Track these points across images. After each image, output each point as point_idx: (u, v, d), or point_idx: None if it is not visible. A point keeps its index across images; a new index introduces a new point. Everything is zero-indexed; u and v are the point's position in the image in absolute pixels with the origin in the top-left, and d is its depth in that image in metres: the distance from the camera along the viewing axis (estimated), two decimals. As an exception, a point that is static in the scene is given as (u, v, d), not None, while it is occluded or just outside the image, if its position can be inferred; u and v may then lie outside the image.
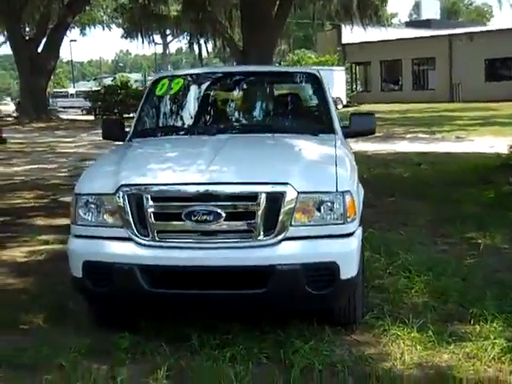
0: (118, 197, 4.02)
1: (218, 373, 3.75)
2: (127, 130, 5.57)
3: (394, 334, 4.31)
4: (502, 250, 6.44)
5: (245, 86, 6.00)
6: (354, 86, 44.81)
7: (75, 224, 4.18)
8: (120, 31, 64.50)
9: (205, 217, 3.89)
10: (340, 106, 38.31)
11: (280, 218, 3.90)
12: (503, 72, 40.21)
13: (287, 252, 3.93)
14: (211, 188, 3.95)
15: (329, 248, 3.98)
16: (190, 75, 6.07)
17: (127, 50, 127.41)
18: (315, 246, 3.97)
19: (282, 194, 3.90)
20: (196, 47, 36.80)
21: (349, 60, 44.28)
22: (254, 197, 3.90)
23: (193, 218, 3.90)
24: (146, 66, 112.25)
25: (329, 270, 3.94)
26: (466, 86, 39.90)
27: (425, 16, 56.98)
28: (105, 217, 4.10)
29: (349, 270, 4.00)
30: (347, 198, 4.01)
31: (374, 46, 42.62)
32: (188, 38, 38.12)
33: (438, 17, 57.49)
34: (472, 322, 4.49)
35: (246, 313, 4.44)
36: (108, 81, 45.64)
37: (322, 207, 3.98)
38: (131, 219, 3.99)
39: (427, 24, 51.61)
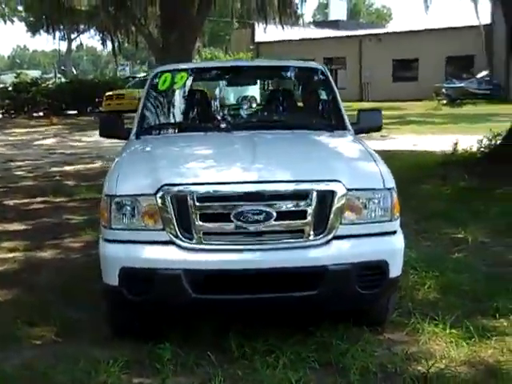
0: (159, 197, 3.79)
1: (278, 381, 3.60)
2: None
3: (430, 332, 4.30)
4: (486, 244, 6.58)
5: (253, 81, 5.85)
6: (268, 85, 45.03)
7: (109, 228, 3.90)
8: (21, 25, 62.00)
9: (255, 217, 3.73)
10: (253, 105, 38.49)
11: (331, 216, 3.80)
12: (409, 72, 41.55)
13: (338, 252, 3.83)
14: (262, 187, 3.79)
15: (379, 246, 3.92)
16: (193, 69, 5.83)
17: (25, 46, 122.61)
18: (365, 245, 3.90)
19: (332, 192, 3.80)
20: (109, 43, 35.87)
21: (262, 59, 44.46)
22: (305, 195, 3.78)
23: (242, 218, 3.73)
24: (45, 62, 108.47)
25: (379, 268, 3.88)
26: (374, 86, 40.99)
27: (332, 17, 58.04)
28: (143, 219, 3.85)
29: (396, 269, 3.95)
30: (394, 194, 3.96)
31: (287, 44, 42.86)
32: (100, 33, 37.16)
33: (345, 18, 58.68)
34: (497, 317, 4.54)
35: (293, 315, 4.31)
36: (8, 78, 43.47)
37: (369, 204, 3.92)
38: (174, 221, 3.77)
39: (335, 25, 52.56)
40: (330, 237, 3.81)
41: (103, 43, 36.42)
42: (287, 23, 30.76)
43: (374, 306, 4.24)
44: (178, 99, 5.59)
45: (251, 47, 44.40)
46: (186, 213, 3.76)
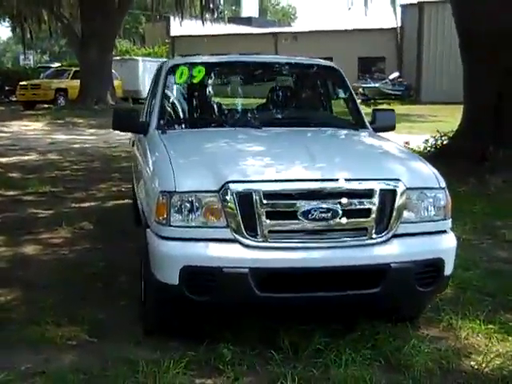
0: (223, 194, 3.68)
1: (350, 379, 3.59)
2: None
3: (467, 328, 4.39)
4: (472, 241, 6.80)
5: (273, 77, 5.77)
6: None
7: (168, 225, 3.74)
8: None
9: (322, 215, 3.70)
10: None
11: (393, 214, 3.82)
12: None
13: (400, 250, 3.85)
14: (328, 184, 3.76)
15: (436, 245, 3.97)
16: (211, 63, 5.68)
17: None
18: (424, 243, 3.94)
19: (394, 191, 3.83)
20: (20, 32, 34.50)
21: (178, 53, 44.00)
22: (369, 193, 3.78)
23: (310, 216, 3.69)
24: None
25: (436, 266, 3.93)
26: (290, 84, 41.59)
27: (244, 14, 58.32)
28: (206, 216, 3.73)
29: (450, 266, 4.02)
30: (447, 193, 4.04)
31: (202, 39, 42.70)
32: (10, 21, 35.65)
33: (257, 15, 59.10)
34: (523, 312, 4.71)
35: (354, 313, 4.30)
36: None
37: (426, 203, 3.96)
38: (239, 219, 3.67)
39: (248, 21, 52.86)
40: (390, 235, 3.84)
41: (13, 30, 34.77)
42: (208, 18, 30.65)
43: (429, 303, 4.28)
44: (198, 93, 5.44)
45: (166, 41, 43.84)
46: (251, 210, 3.67)
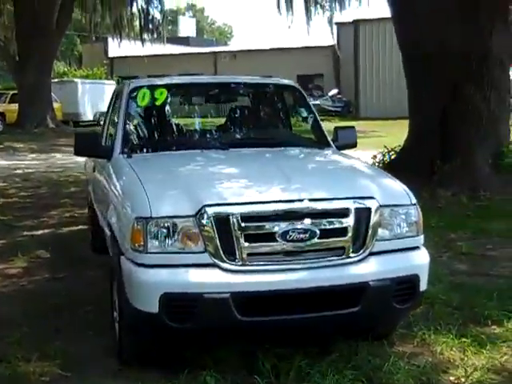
0: (200, 218, 3.64)
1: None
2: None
3: (441, 342, 4.44)
4: (433, 255, 6.85)
5: (234, 97, 5.76)
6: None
7: (145, 252, 3.67)
8: None
9: (301, 235, 3.70)
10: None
11: (369, 232, 3.85)
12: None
13: (377, 268, 3.88)
14: (306, 205, 3.76)
15: (411, 261, 4.02)
16: (171, 85, 5.62)
17: None
18: (399, 260, 3.98)
19: (369, 209, 3.86)
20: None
21: (117, 74, 43.66)
22: (345, 212, 3.80)
23: (288, 237, 3.68)
24: None
25: (412, 282, 3.97)
26: (230, 102, 41.78)
27: (182, 33, 58.28)
28: (183, 242, 3.68)
29: (425, 282, 4.07)
30: (419, 210, 4.09)
31: (141, 60, 42.41)
32: None
33: (194, 34, 59.23)
34: (490, 324, 4.79)
35: (330, 334, 4.29)
36: None
37: (399, 220, 4.01)
38: (217, 243, 3.63)
39: (186, 41, 52.93)
40: (366, 253, 3.86)
41: None
42: (147, 39, 30.52)
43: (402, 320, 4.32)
44: (161, 116, 5.38)
45: (105, 62, 43.43)
46: (228, 234, 3.64)
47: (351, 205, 3.81)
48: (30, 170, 15.94)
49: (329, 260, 3.79)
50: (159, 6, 29.80)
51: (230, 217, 3.63)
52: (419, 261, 4.04)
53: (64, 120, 31.66)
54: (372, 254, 3.88)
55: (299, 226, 3.69)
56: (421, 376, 3.96)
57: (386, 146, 12.02)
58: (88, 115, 35.87)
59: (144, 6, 28.17)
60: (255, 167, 4.34)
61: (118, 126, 5.05)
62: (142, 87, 5.29)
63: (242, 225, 3.63)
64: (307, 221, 3.71)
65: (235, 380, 3.83)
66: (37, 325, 4.90)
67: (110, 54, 44.12)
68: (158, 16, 30.28)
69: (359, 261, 3.83)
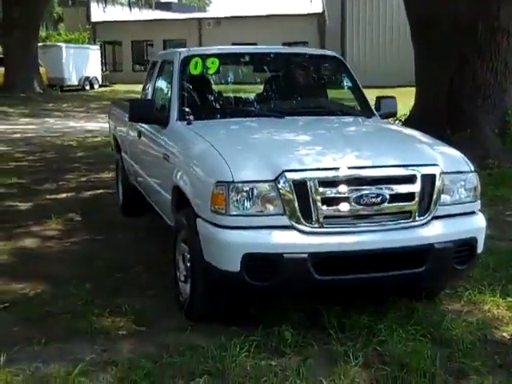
0: (280, 183, 3.83)
1: (411, 354, 3.81)
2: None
3: (489, 301, 4.70)
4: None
5: (284, 67, 5.90)
6: (106, 66, 43.88)
7: (227, 214, 3.86)
8: None
9: (373, 200, 3.91)
10: (96, 86, 37.42)
11: (433, 197, 4.07)
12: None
13: (440, 231, 4.11)
14: (378, 171, 3.98)
15: (470, 225, 4.25)
16: (222, 55, 5.72)
17: None
18: (460, 224, 4.21)
19: (434, 175, 4.08)
20: None
21: (99, 39, 43.18)
22: (413, 178, 4.02)
23: (362, 201, 3.89)
24: None
25: (471, 245, 4.21)
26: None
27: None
28: (263, 205, 3.86)
29: (481, 245, 4.31)
30: (477, 177, 4.32)
31: (125, 25, 42.14)
32: None
33: (176, 0, 58.46)
34: (528, 285, 5.07)
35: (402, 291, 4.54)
36: None
37: (459, 186, 4.23)
38: (296, 206, 3.83)
39: (168, 7, 52.25)
40: (430, 217, 4.09)
41: None
42: (135, 4, 30.24)
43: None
44: (214, 84, 5.52)
45: (87, 27, 42.85)
46: (306, 198, 3.83)
47: (418, 171, 4.03)
48: (30, 135, 15.93)
49: (397, 223, 4.01)
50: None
51: (308, 182, 3.83)
52: (477, 224, 4.27)
53: (49, 84, 31.35)
54: (435, 217, 4.11)
55: (371, 191, 3.90)
56: (477, 332, 4.21)
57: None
58: (73, 80, 35.57)
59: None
60: (321, 135, 4.53)
61: (172, 93, 5.17)
62: (193, 56, 5.40)
63: (319, 189, 3.83)
64: (379, 186, 3.92)
65: (309, 334, 4.05)
66: (96, 284, 5.07)
67: (93, 19, 43.49)
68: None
69: (424, 224, 4.06)
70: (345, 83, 5.78)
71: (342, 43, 38.15)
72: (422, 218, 4.05)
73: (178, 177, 4.50)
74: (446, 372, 3.66)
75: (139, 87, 25.06)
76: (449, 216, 4.18)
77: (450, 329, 4.20)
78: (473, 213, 4.31)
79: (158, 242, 6.26)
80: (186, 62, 5.33)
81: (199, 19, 43.49)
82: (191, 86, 5.26)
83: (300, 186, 3.83)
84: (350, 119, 5.24)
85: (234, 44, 41.65)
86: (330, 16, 39.53)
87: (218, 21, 42.68)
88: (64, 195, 8.60)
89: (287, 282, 3.86)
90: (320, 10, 40.15)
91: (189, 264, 4.34)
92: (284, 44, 41.00)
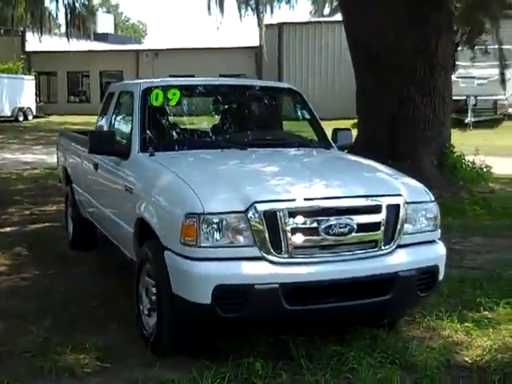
0: (250, 214, 3.86)
1: (380, 381, 3.88)
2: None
3: (447, 327, 4.82)
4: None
5: (244, 99, 5.94)
6: (41, 97, 43.16)
7: (198, 246, 3.85)
8: None
9: (341, 229, 3.98)
10: (30, 117, 36.77)
11: (397, 227, 4.17)
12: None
13: (405, 259, 4.21)
14: (347, 202, 4.06)
15: (432, 253, 4.39)
16: (182, 86, 5.72)
17: None
18: (423, 252, 4.34)
19: (398, 205, 4.19)
20: None
21: (35, 69, 42.47)
22: (379, 208, 4.11)
23: (331, 231, 3.95)
24: None
25: (433, 272, 4.34)
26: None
27: (100, 30, 57.21)
28: (234, 236, 3.87)
29: (442, 272, 4.44)
30: (437, 206, 4.46)
31: (61, 55, 41.60)
32: None
33: (112, 31, 58.37)
34: (482, 310, 5.22)
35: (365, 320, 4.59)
36: None
37: (420, 215, 4.36)
38: (266, 237, 3.86)
39: (105, 38, 52.05)
40: (395, 246, 4.19)
41: None
42: (75, 35, 30.02)
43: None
44: (175, 116, 5.52)
45: (22, 56, 42.10)
46: (276, 228, 3.87)
47: (384, 201, 4.13)
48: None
49: (364, 252, 4.09)
50: (86, 1, 29.10)
51: (278, 212, 3.87)
52: (438, 253, 4.41)
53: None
54: (399, 246, 4.21)
55: (340, 221, 3.97)
56: (440, 357, 4.30)
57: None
58: (6, 111, 34.86)
59: (70, 1, 27.50)
60: (286, 166, 4.59)
61: (133, 124, 5.14)
62: (154, 87, 5.40)
63: (289, 220, 3.87)
64: (346, 216, 4.00)
65: (278, 365, 4.05)
66: (53, 319, 4.93)
67: (28, 49, 42.81)
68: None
69: (389, 253, 4.16)
70: (303, 115, 5.86)
71: (279, 76, 38.74)
72: (387, 246, 4.14)
73: (142, 209, 4.47)
74: (415, 398, 3.71)
75: (75, 118, 25.01)
76: (411, 245, 4.29)
77: (414, 355, 4.28)
78: (433, 241, 4.43)
79: (111, 276, 6.19)
80: (146, 93, 5.32)
81: (137, 51, 43.45)
82: (152, 118, 5.26)
83: (270, 217, 3.87)
84: (310, 151, 5.33)
85: (171, 76, 41.97)
86: (267, 49, 40.10)
87: (155, 53, 42.72)
88: (8, 229, 8.38)
89: (258, 313, 3.88)
90: (257, 44, 40.70)
91: (154, 297, 4.30)
92: (221, 76, 41.52)
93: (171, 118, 5.57)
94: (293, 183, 4.20)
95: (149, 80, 5.91)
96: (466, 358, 4.36)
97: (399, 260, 4.18)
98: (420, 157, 10.92)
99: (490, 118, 27.66)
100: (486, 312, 5.19)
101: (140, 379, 3.90)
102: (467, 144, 13.38)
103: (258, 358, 4.03)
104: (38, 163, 15.88)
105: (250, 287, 3.79)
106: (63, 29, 35.81)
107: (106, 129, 5.90)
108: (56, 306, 5.26)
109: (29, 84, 37.30)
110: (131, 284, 5.29)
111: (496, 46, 15.12)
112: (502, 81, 19.04)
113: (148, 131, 5.11)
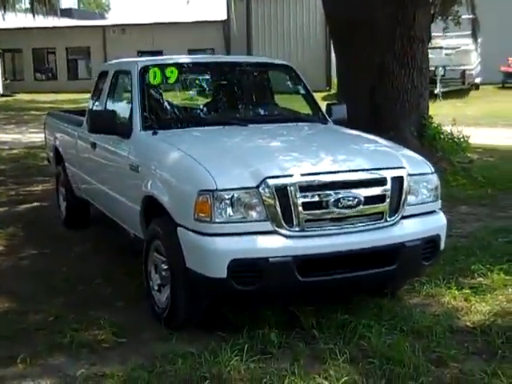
0: (262, 189, 3.96)
1: (391, 347, 4.03)
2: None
3: (447, 294, 5.00)
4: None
5: (241, 76, 5.99)
6: (6, 75, 42.35)
7: (212, 222, 3.94)
8: None
9: (349, 202, 4.10)
10: (-2, 96, 36.16)
11: (402, 198, 4.31)
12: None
13: (409, 230, 4.36)
14: (353, 175, 4.18)
15: (434, 223, 4.54)
16: (180, 64, 5.74)
17: None
18: (425, 222, 4.48)
19: (401, 177, 4.32)
20: None
21: (-1, 47, 41.67)
22: (384, 181, 4.24)
23: (340, 204, 4.08)
24: None
25: (435, 242, 4.49)
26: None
27: (63, 5, 56.18)
28: (247, 211, 3.97)
29: (443, 242, 4.60)
30: (437, 178, 4.61)
31: (26, 32, 40.86)
32: None
33: (76, 6, 57.44)
34: (476, 276, 5.41)
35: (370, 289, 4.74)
36: None
37: (422, 187, 4.50)
38: (278, 211, 3.97)
39: (69, 13, 51.12)
40: (399, 217, 4.33)
41: None
42: (40, 11, 29.37)
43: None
44: (173, 94, 5.56)
45: (-15, 34, 41.22)
46: (287, 203, 3.98)
47: (389, 174, 4.26)
48: None
49: (371, 224, 4.23)
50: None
51: (289, 187, 3.98)
52: (440, 223, 4.56)
53: None
54: (403, 217, 4.35)
55: (348, 194, 4.10)
56: (443, 323, 4.47)
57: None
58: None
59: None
60: (290, 141, 4.70)
61: (133, 103, 5.17)
62: (152, 66, 5.42)
63: (300, 194, 3.99)
64: (354, 189, 4.12)
65: (291, 335, 4.19)
66: (63, 298, 5.01)
67: (-10, 26, 41.86)
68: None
69: (394, 224, 4.30)
70: (298, 91, 5.95)
71: (248, 49, 38.63)
72: (392, 218, 4.28)
73: (150, 187, 4.53)
74: (426, 361, 3.88)
75: (43, 96, 24.69)
76: (414, 215, 4.43)
77: (418, 322, 4.44)
78: (434, 211, 4.58)
79: (108, 254, 6.27)
80: (144, 71, 5.34)
81: (103, 26, 42.80)
82: (151, 96, 5.30)
83: (281, 192, 3.97)
84: (309, 125, 5.43)
85: (139, 52, 41.53)
86: (236, 22, 39.84)
87: (122, 28, 42.16)
88: (-4, 209, 8.35)
89: (272, 285, 3.99)
90: (224, 17, 40.39)
91: (164, 273, 4.38)
92: (190, 51, 41.21)
93: (170, 96, 5.60)
94: (301, 158, 4.30)
95: (145, 59, 5.94)
96: (468, 323, 4.53)
97: (404, 231, 4.32)
98: (401, 128, 11.04)
99: (459, 88, 27.96)
100: (481, 279, 5.37)
101: (158, 353, 3.99)
102: (440, 114, 13.52)
103: (273, 329, 4.15)
104: (15, 143, 15.71)
105: (265, 260, 3.90)
106: (27, 4, 35.14)
107: (101, 108, 5.90)
108: (62, 285, 5.33)
109: (-7, 62, 36.63)
110: (132, 262, 5.44)
111: (467, 16, 15.33)
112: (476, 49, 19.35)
113: (148, 110, 5.15)
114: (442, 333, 4.29)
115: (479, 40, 27.12)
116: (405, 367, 3.78)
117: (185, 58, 6.03)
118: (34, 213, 8.21)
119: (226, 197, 3.93)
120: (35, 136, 16.93)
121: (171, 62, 5.76)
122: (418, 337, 4.25)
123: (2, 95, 36.53)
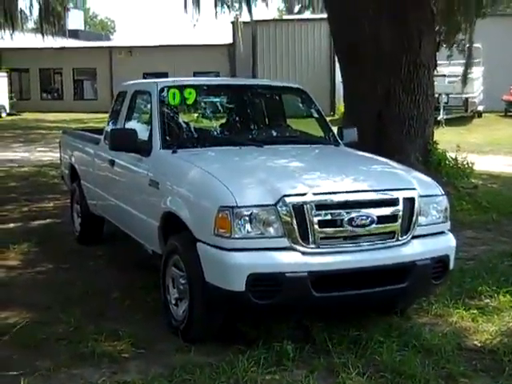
0: (280, 207, 4.13)
1: (399, 363, 4.17)
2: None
3: (455, 314, 5.14)
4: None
5: (255, 99, 6.19)
6: (13, 94, 42.73)
7: (231, 237, 4.10)
8: None
9: (363, 221, 4.27)
10: (4, 115, 36.45)
11: (413, 218, 4.48)
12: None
13: (420, 249, 4.51)
14: (368, 195, 4.36)
15: (444, 243, 4.70)
16: (197, 85, 5.97)
17: None
18: (435, 242, 4.64)
19: (413, 198, 4.49)
20: None
21: (6, 66, 42.06)
22: (396, 201, 4.41)
23: (354, 223, 4.24)
24: None
25: (445, 262, 4.65)
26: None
27: (70, 26, 56.76)
28: (265, 228, 4.14)
29: (452, 261, 4.75)
30: (447, 200, 4.78)
31: (34, 52, 41.40)
32: None
33: (82, 28, 58.01)
34: (483, 298, 5.55)
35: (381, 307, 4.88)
36: None
37: (432, 208, 4.67)
38: (295, 228, 4.14)
39: (75, 34, 51.69)
40: (410, 237, 4.49)
41: None
42: (49, 32, 29.81)
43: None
44: (192, 114, 5.75)
45: (-7, 53, 41.73)
46: (304, 220, 4.15)
47: (401, 195, 4.43)
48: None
49: (384, 242, 4.39)
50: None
51: (305, 205, 4.15)
52: (449, 243, 4.72)
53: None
54: (414, 237, 4.51)
55: (362, 214, 4.26)
56: (452, 341, 4.61)
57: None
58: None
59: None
60: (306, 162, 4.89)
61: (153, 123, 5.36)
62: (171, 87, 5.63)
63: (316, 212, 4.16)
64: (368, 208, 4.29)
65: (305, 349, 4.33)
66: (79, 309, 5.14)
67: None
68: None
69: (406, 243, 4.46)
70: (311, 114, 6.14)
71: (253, 73, 39.02)
72: (404, 237, 4.44)
73: (170, 203, 4.70)
74: (437, 377, 4.01)
75: (49, 116, 24.91)
76: (425, 236, 4.59)
77: (428, 339, 4.58)
78: (443, 232, 4.74)
79: (123, 269, 6.40)
80: (163, 92, 5.54)
81: (110, 48, 43.26)
82: (170, 116, 5.49)
83: (298, 210, 4.14)
84: (322, 147, 5.62)
85: (145, 73, 41.93)
86: (242, 46, 40.30)
87: (129, 50, 42.61)
88: (11, 225, 8.52)
89: (288, 299, 4.14)
90: (230, 41, 40.86)
91: (182, 287, 4.53)
92: (195, 73, 41.63)
93: (188, 117, 5.80)
94: (316, 178, 4.49)
95: (164, 80, 6.13)
96: (476, 342, 4.67)
97: (415, 250, 4.48)
98: (406, 154, 11.22)
99: (461, 115, 28.27)
100: (488, 300, 5.51)
101: (177, 363, 4.13)
102: (443, 140, 13.72)
103: (289, 342, 4.29)
104: (24, 161, 15.91)
105: (281, 275, 4.06)
106: (33, 25, 35.67)
107: (120, 126, 6.09)
108: (80, 298, 5.47)
109: (1, 81, 36.98)
110: (148, 277, 5.58)
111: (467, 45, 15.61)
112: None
113: (167, 129, 5.34)
114: (451, 351, 4.43)
115: (482, 69, 27.58)
116: (416, 381, 3.92)
117: (203, 80, 6.24)
118: (48, 229, 8.35)
119: (245, 213, 4.10)
120: (43, 154, 17.21)
121: (190, 83, 5.97)
122: (427, 354, 4.38)
123: (9, 114, 36.81)
